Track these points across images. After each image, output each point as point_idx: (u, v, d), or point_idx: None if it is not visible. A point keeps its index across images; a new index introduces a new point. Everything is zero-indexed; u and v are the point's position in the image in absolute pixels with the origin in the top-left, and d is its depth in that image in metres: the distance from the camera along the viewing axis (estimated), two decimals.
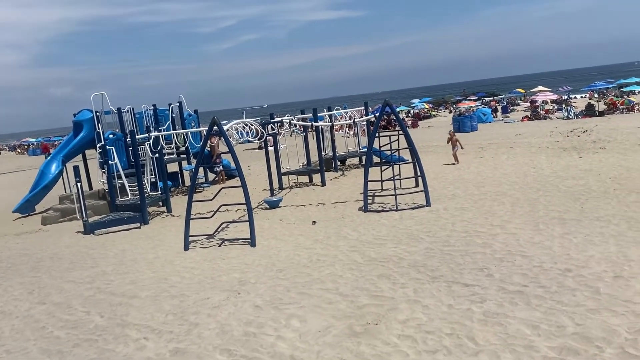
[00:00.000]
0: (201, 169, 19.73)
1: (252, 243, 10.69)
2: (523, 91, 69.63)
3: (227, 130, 12.89)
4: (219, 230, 11.97)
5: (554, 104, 46.91)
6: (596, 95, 51.34)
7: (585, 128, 25.40)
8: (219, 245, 10.98)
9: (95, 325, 7.36)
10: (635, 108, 35.61)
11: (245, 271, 9.00)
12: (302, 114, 20.45)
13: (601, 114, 34.49)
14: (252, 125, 14.73)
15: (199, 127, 20.17)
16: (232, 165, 17.08)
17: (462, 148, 19.29)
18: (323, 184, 17.36)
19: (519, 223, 10.20)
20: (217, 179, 20.19)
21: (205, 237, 11.64)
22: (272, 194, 16.24)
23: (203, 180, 20.31)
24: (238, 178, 11.37)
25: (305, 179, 18.76)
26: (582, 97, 58.59)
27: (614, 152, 17.46)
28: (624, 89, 52.90)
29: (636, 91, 51.86)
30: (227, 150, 11.56)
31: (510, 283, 7.20)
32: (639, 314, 5.87)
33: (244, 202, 11.06)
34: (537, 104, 47.57)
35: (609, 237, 8.72)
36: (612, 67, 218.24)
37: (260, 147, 31.43)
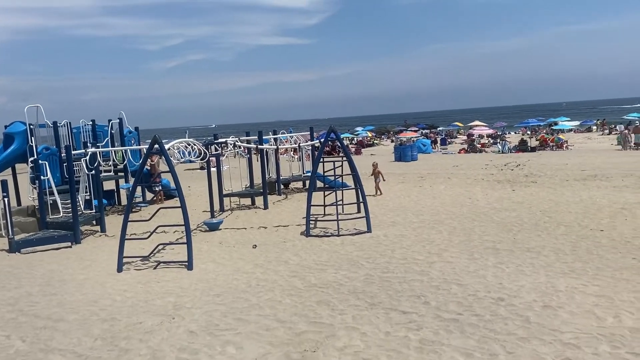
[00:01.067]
0: (139, 188, 19.17)
1: (190, 266, 10.41)
2: (461, 125, 72.40)
3: (169, 149, 12.62)
4: (155, 252, 11.59)
5: (490, 139, 48.91)
6: (529, 132, 54.07)
7: (518, 162, 26.62)
8: (155, 268, 10.62)
9: (16, 350, 6.89)
10: (564, 145, 37.75)
11: (181, 295, 8.73)
12: (247, 136, 20.36)
13: (533, 149, 36.34)
14: (194, 144, 14.50)
15: (139, 145, 19.65)
16: (172, 185, 16.71)
17: (383, 180, 19.26)
18: (265, 207, 17.24)
19: (455, 252, 10.47)
20: (155, 198, 19.67)
21: (140, 258, 11.23)
22: (213, 216, 15.95)
23: (140, 199, 19.72)
24: (177, 198, 11.11)
25: (247, 201, 18.57)
26: (515, 133, 61.55)
27: (545, 186, 18.35)
28: (554, 127, 56.01)
29: (565, 130, 55.04)
30: (168, 169, 11.29)
31: (446, 311, 7.33)
32: (566, 343, 6.10)
33: (183, 223, 10.79)
34: (473, 137, 49.48)
35: (539, 268, 9.09)
36: (543, 106, 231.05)
37: (202, 168, 30.95)
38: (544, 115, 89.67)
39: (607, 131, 53.65)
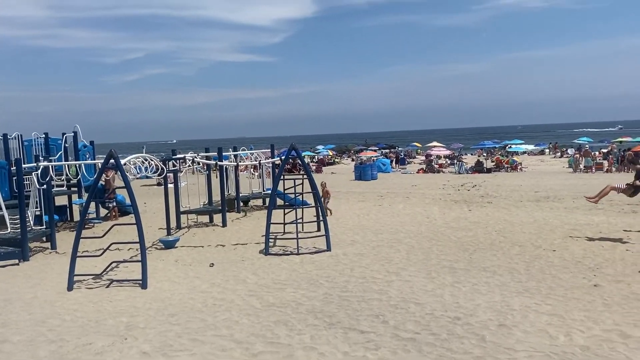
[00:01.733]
0: (93, 204, 18.62)
1: (144, 285, 10.12)
2: (419, 145, 73.89)
3: (125, 164, 12.33)
4: (107, 269, 11.22)
5: (447, 159, 50.01)
6: (484, 154, 55.54)
7: (474, 183, 27.22)
8: (107, 286, 10.27)
9: None
10: (518, 167, 38.92)
11: (134, 315, 8.46)
12: (206, 152, 20.13)
13: (489, 171, 37.30)
14: (152, 160, 14.22)
15: (94, 159, 19.14)
16: (127, 201, 16.28)
17: (328, 201, 18.68)
18: (224, 224, 17.01)
19: (413, 271, 10.55)
20: (109, 215, 19.14)
21: (92, 277, 10.86)
22: (169, 233, 15.62)
23: (94, 215, 19.15)
24: (132, 215, 10.83)
25: (205, 218, 18.28)
26: (472, 154, 63.13)
27: (500, 206, 18.80)
28: (508, 149, 57.72)
29: (519, 152, 56.82)
30: (123, 185, 11.02)
31: (404, 330, 7.35)
32: None
33: (137, 240, 10.51)
34: (431, 158, 50.48)
35: (494, 287, 9.25)
36: (499, 128, 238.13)
37: (159, 184, 30.39)
38: (500, 137, 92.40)
39: (559, 154, 55.70)
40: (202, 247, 14.02)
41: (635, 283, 9.16)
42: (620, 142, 58.59)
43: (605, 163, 37.41)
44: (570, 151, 53.05)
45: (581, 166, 35.85)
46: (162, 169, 14.48)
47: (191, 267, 11.72)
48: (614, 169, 35.55)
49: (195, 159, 17.14)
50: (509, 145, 62.18)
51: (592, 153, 43.79)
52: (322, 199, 17.18)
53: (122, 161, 11.75)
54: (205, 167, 19.06)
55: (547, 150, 63.94)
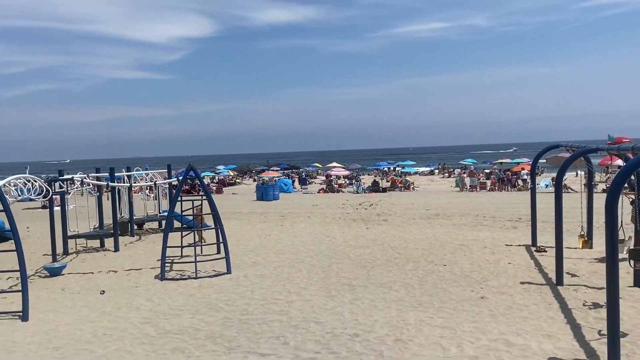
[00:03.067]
0: None
1: (24, 317, 9.28)
2: (320, 165, 75.36)
3: (4, 185, 11.34)
4: None
5: (346, 179, 51.31)
6: (380, 174, 57.72)
7: (371, 202, 28.14)
8: None
9: None
10: (411, 187, 40.83)
11: (13, 350, 7.71)
12: (96, 172, 19.05)
13: (384, 190, 38.75)
14: (35, 181, 13.21)
15: None
16: (7, 225, 14.95)
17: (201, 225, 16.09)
18: (116, 249, 16.11)
19: (314, 289, 10.62)
20: None
21: None
22: (55, 260, 14.51)
23: None
24: (12, 241, 9.95)
25: (96, 243, 17.21)
26: (369, 174, 65.37)
27: (395, 224, 19.55)
28: (402, 170, 60.46)
29: (412, 172, 59.73)
30: (1, 208, 10.10)
31: (304, 350, 7.34)
32: None
33: (18, 268, 9.65)
34: (331, 178, 51.54)
35: (391, 302, 9.54)
36: (393, 150, 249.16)
37: (44, 207, 28.26)
38: (394, 158, 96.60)
39: (447, 174, 59.20)
40: (92, 273, 13.17)
41: (517, 294, 9.89)
42: (501, 163, 63.81)
43: (489, 182, 40.33)
44: (457, 171, 56.65)
45: (467, 185, 38.37)
46: (46, 190, 13.51)
47: (79, 296, 10.95)
48: (495, 188, 38.41)
49: (84, 179, 16.16)
50: (402, 166, 65.17)
51: (477, 173, 47.10)
52: (200, 225, 16.00)
53: (0, 182, 10.81)
54: (95, 189, 18.02)
55: (437, 171, 67.76)
